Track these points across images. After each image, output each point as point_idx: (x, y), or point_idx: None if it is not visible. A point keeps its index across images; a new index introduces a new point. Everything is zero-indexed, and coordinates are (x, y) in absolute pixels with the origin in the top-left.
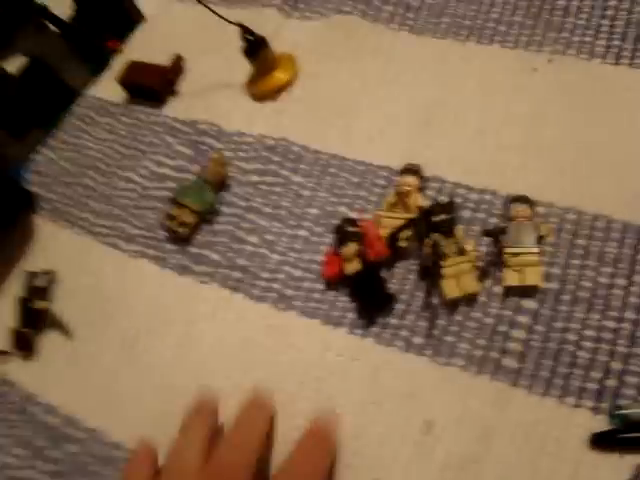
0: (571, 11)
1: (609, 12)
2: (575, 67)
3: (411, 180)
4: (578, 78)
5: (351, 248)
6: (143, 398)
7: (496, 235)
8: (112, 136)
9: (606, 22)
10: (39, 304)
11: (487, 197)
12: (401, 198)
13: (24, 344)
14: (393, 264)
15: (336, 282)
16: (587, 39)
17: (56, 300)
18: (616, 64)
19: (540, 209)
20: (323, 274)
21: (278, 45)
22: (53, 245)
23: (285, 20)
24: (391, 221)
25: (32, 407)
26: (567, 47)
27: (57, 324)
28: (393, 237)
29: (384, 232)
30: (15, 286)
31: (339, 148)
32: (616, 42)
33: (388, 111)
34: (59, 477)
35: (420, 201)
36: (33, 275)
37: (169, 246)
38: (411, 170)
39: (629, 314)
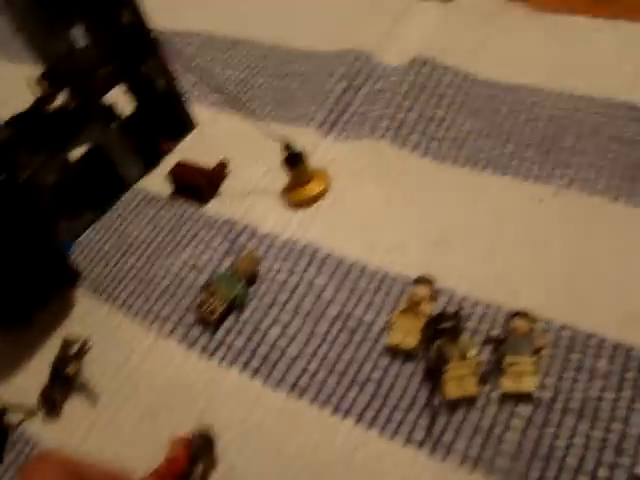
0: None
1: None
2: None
3: (423, 290)
4: (579, 212)
5: None
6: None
7: (496, 344)
8: (155, 227)
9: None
10: (70, 369)
11: (491, 311)
12: (412, 306)
13: (51, 405)
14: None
15: None
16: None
17: (86, 367)
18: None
19: (539, 324)
20: None
21: (314, 160)
22: (90, 318)
23: (322, 139)
24: (402, 325)
25: None
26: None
27: (84, 390)
28: None
29: (395, 338)
30: (52, 351)
31: (361, 256)
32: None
33: (407, 228)
34: None
35: (430, 310)
36: (68, 343)
37: (197, 330)
38: (424, 280)
39: (616, 425)
